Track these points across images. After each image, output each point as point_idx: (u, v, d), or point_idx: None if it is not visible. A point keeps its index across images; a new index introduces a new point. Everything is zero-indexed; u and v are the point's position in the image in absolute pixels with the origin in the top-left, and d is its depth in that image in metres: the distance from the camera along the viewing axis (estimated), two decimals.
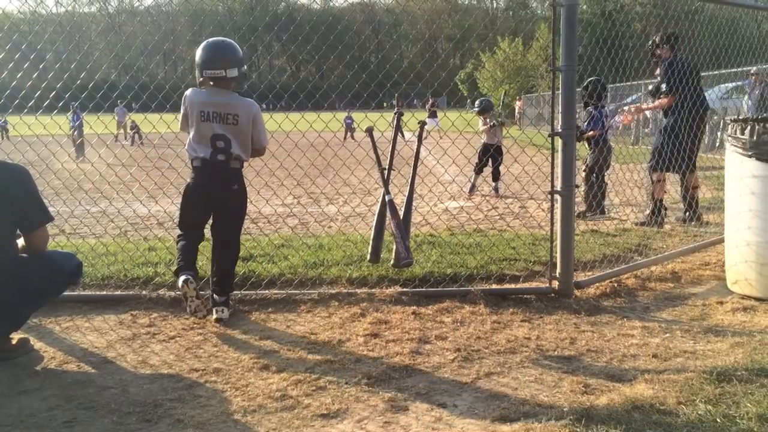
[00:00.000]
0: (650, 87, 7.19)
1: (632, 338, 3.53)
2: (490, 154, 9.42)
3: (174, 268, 3.92)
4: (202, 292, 3.94)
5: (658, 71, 6.78)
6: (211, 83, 3.83)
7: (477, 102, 10.23)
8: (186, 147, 3.86)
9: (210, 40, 3.93)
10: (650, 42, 6.75)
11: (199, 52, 3.84)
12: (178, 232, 4.00)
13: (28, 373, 3.18)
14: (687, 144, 6.22)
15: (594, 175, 7.36)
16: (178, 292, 4.20)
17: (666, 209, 6.80)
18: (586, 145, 7.60)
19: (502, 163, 9.29)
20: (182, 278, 3.73)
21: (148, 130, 4.07)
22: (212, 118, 3.75)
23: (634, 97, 17.04)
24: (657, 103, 6.68)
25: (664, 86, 6.47)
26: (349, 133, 21.54)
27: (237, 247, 4.08)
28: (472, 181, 9.70)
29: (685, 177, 6.55)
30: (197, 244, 3.99)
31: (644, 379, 2.93)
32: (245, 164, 3.97)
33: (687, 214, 6.55)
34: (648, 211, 6.65)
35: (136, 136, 22.54)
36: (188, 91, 3.85)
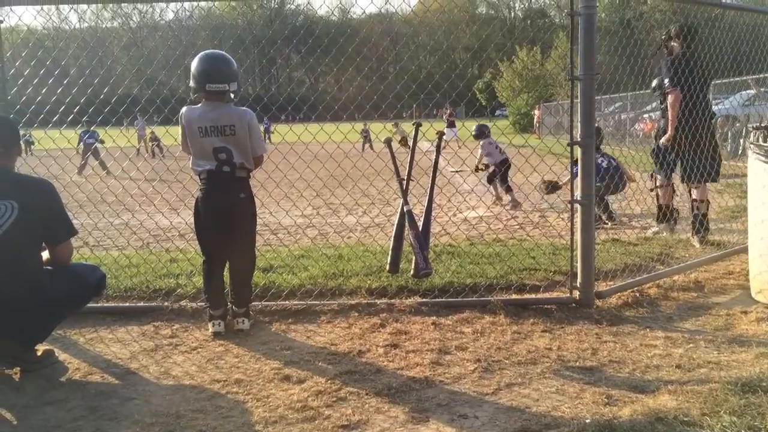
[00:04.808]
0: (653, 83, 6.71)
1: (655, 349, 3.49)
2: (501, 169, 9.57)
3: (204, 303, 4.09)
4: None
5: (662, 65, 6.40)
6: (205, 97, 3.80)
7: (473, 128, 10.29)
8: (191, 164, 3.87)
9: (209, 51, 3.88)
10: (664, 33, 6.39)
11: (198, 64, 3.76)
12: (198, 243, 4.03)
13: (53, 385, 3.23)
14: (691, 150, 5.86)
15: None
16: (200, 304, 4.25)
17: (677, 213, 6.53)
18: None
19: (507, 175, 9.44)
20: (212, 330, 3.92)
21: (170, 143, 4.12)
22: (210, 132, 3.73)
23: (654, 104, 16.88)
24: (671, 110, 6.08)
25: (666, 81, 6.06)
26: (367, 144, 21.59)
27: (252, 258, 4.10)
28: (494, 192, 9.81)
29: (691, 187, 6.15)
30: (222, 271, 4.03)
31: (667, 390, 2.89)
32: (260, 175, 3.98)
33: (694, 231, 6.07)
34: (656, 226, 6.46)
35: (157, 148, 22.65)
36: (183, 110, 3.82)
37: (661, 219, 6.35)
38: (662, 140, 6.14)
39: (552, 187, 8.62)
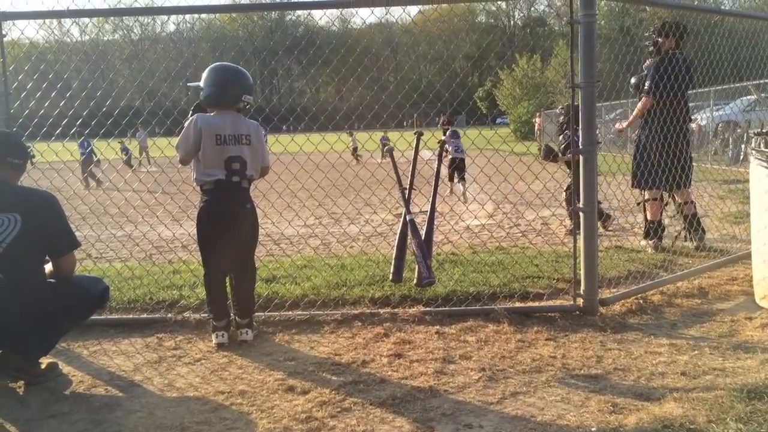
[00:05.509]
0: (632, 80, 6.52)
1: (660, 356, 3.48)
2: (456, 165, 11.54)
3: (207, 314, 4.09)
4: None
5: (647, 63, 6.24)
6: (221, 108, 3.86)
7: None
8: (196, 174, 3.85)
9: (234, 65, 4.02)
10: (652, 28, 6.21)
11: (234, 76, 3.91)
12: (200, 254, 4.03)
13: (57, 398, 3.22)
14: (673, 155, 5.77)
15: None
16: (203, 315, 4.25)
17: (663, 229, 6.25)
18: (565, 169, 7.71)
19: (457, 171, 11.55)
20: (215, 341, 3.91)
21: (172, 154, 4.14)
22: (228, 140, 3.77)
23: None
24: (636, 111, 6.11)
25: (647, 83, 5.92)
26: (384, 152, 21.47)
27: (254, 268, 4.12)
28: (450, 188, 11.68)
29: (674, 193, 6.05)
30: (225, 281, 4.04)
31: (673, 397, 2.88)
32: (263, 185, 4.00)
33: (688, 233, 5.98)
34: (644, 241, 6.20)
35: (130, 160, 21.53)
36: (197, 117, 3.82)
37: (651, 236, 6.10)
38: (617, 125, 6.20)
39: (548, 152, 8.46)
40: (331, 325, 4.18)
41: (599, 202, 7.43)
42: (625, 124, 6.29)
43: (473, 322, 4.11)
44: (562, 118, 8.04)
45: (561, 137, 7.90)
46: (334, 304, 4.51)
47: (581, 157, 4.16)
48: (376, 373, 3.38)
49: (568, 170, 7.67)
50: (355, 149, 21.27)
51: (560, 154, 7.66)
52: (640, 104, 6.04)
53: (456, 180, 11.77)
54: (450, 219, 8.38)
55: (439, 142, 4.47)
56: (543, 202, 9.25)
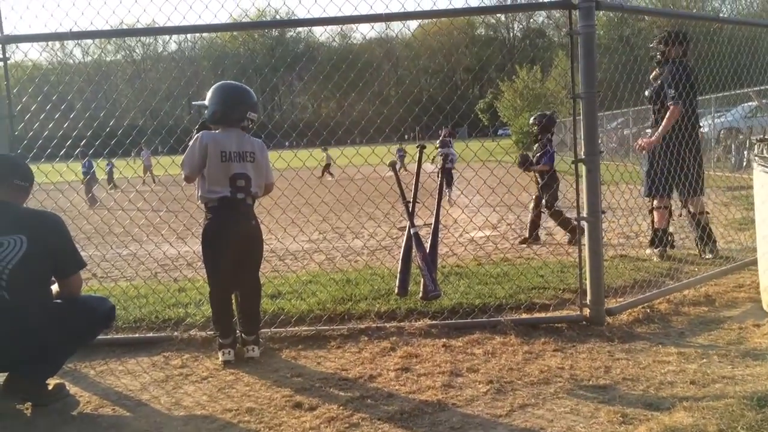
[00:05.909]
0: (646, 92, 6.29)
1: (668, 365, 3.46)
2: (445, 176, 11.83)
3: (213, 331, 4.10)
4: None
5: (654, 73, 6.14)
6: (227, 125, 3.90)
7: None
8: (200, 192, 3.86)
9: (241, 84, 4.06)
10: (657, 39, 6.09)
11: (240, 94, 3.96)
12: (206, 271, 4.03)
13: (64, 419, 3.21)
14: (686, 162, 5.68)
15: (548, 206, 7.69)
16: (209, 332, 4.24)
17: (672, 237, 6.23)
18: (537, 178, 7.76)
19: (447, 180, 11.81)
20: (222, 359, 3.91)
21: (176, 172, 4.17)
22: (233, 158, 3.80)
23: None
24: (665, 121, 5.78)
25: (672, 91, 5.68)
26: (399, 165, 21.14)
27: (259, 285, 4.13)
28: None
29: (688, 202, 5.94)
30: (230, 299, 4.04)
31: (683, 406, 2.86)
32: (267, 201, 4.02)
33: (703, 244, 5.88)
34: (649, 249, 6.18)
35: (112, 178, 20.49)
36: (202, 134, 3.85)
37: (657, 244, 6.04)
38: (642, 142, 6.02)
39: (523, 159, 8.46)
40: (337, 340, 4.18)
41: (562, 212, 7.49)
42: (653, 138, 5.98)
43: (480, 334, 4.10)
44: (535, 128, 8.09)
45: (536, 146, 7.96)
46: (340, 319, 4.51)
47: (584, 167, 4.16)
48: (383, 388, 3.37)
49: (540, 180, 7.71)
50: (326, 166, 20.10)
51: (534, 163, 7.78)
52: (669, 114, 5.77)
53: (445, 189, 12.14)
54: (454, 231, 8.37)
55: (440, 155, 4.47)
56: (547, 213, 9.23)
